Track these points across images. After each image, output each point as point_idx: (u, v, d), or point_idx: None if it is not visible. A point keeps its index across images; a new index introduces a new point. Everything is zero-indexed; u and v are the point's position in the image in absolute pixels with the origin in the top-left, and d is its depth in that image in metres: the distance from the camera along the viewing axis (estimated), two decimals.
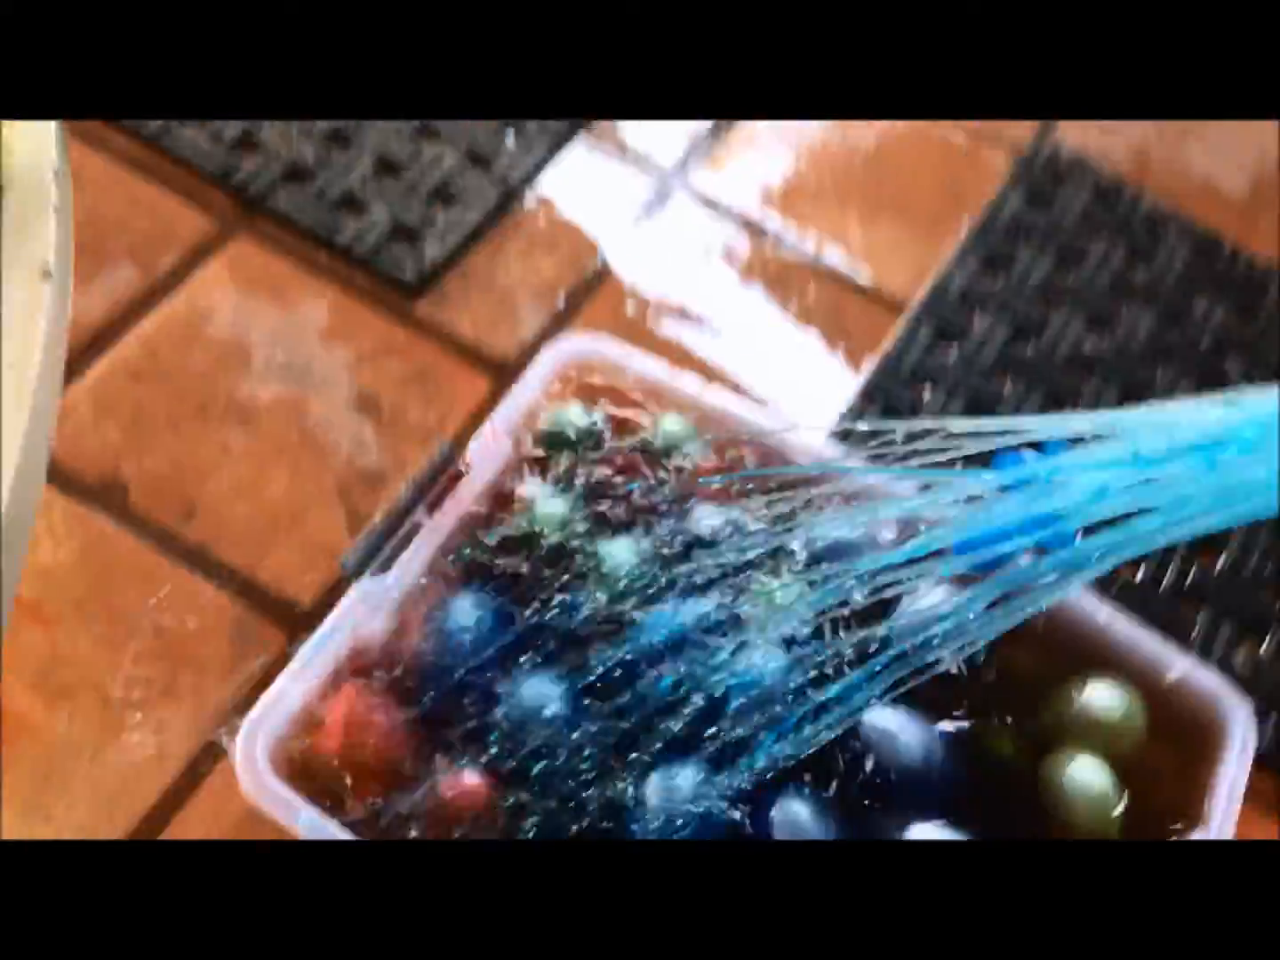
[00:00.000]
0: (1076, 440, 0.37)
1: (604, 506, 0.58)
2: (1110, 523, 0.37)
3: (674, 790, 0.50)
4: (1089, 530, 0.37)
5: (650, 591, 0.54)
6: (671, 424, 0.63)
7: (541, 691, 0.53)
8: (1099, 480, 0.35)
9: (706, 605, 0.54)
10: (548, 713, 0.52)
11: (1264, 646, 0.77)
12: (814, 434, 0.66)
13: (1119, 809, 0.54)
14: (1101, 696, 0.57)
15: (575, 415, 0.62)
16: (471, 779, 0.51)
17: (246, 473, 0.74)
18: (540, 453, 0.61)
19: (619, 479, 0.59)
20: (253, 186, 0.85)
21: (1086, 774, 0.55)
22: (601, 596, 0.54)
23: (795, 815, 0.49)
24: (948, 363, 0.86)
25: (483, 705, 0.53)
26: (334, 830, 0.47)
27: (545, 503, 0.58)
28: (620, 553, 0.55)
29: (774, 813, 0.50)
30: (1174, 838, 0.54)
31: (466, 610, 0.54)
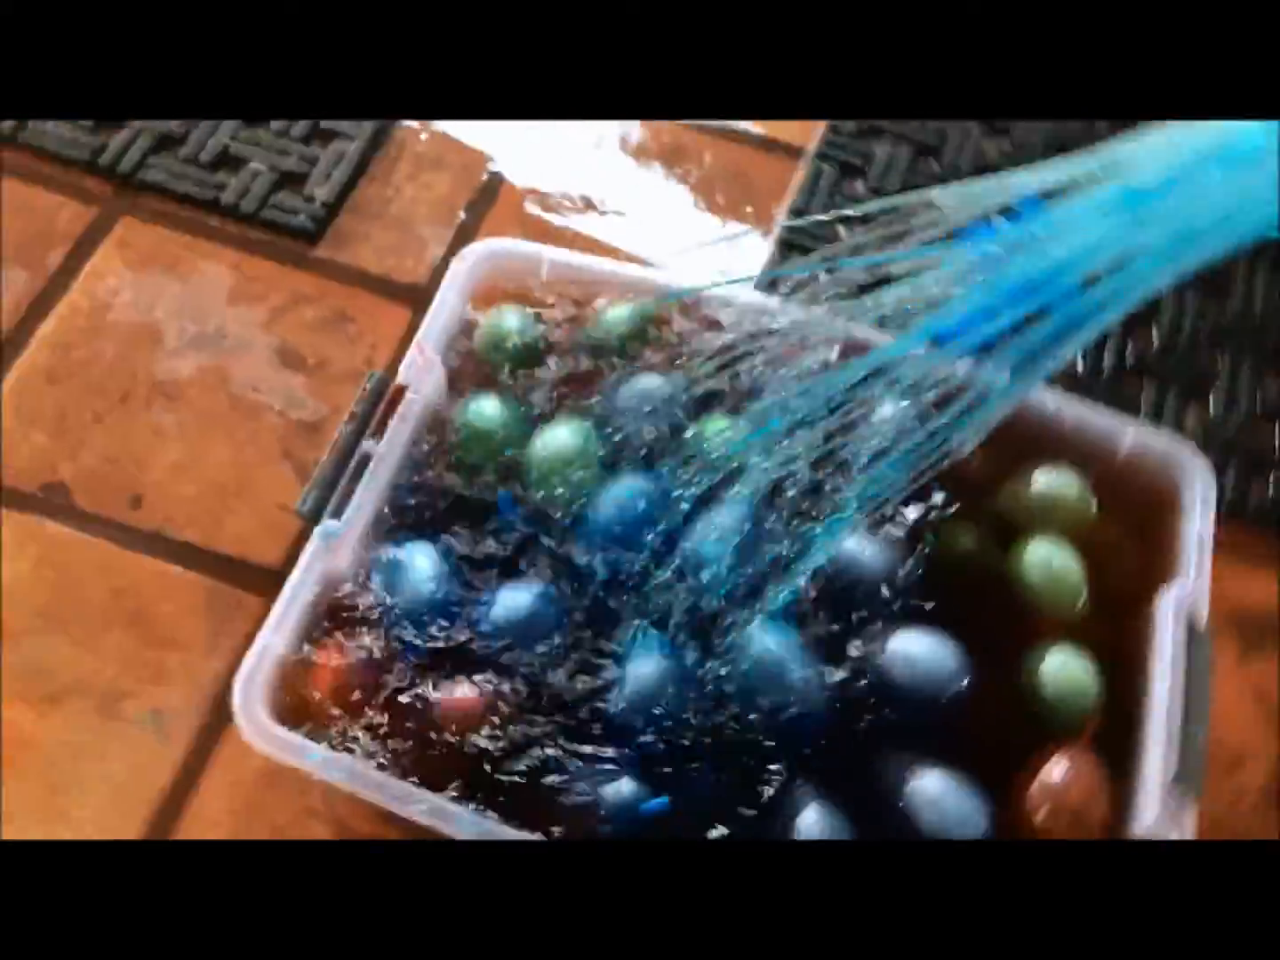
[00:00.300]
0: (1051, 194, 0.34)
1: (548, 407, 0.58)
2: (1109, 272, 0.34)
3: (650, 668, 0.51)
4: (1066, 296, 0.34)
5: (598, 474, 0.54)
6: (614, 313, 0.62)
7: (515, 596, 0.53)
8: (1091, 229, 0.32)
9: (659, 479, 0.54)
10: (525, 612, 0.53)
11: (1211, 406, 0.78)
12: (744, 288, 0.65)
13: (1083, 586, 0.55)
14: (1052, 480, 0.58)
15: (512, 321, 0.61)
16: (465, 691, 0.51)
17: (184, 450, 0.73)
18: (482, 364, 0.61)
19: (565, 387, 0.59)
20: (124, 164, 0.82)
21: (1048, 556, 0.56)
22: (559, 489, 0.55)
23: (770, 650, 0.50)
24: (858, 195, 0.86)
25: (459, 623, 0.53)
26: (348, 762, 0.48)
27: (490, 412, 0.57)
28: (563, 439, 0.55)
29: (754, 649, 0.51)
30: (1148, 596, 0.55)
31: (426, 549, 0.54)
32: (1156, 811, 0.50)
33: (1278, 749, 0.68)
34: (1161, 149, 0.30)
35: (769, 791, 0.50)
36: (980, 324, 0.36)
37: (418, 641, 0.53)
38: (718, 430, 0.55)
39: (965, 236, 0.36)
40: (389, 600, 0.54)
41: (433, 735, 0.51)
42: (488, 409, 0.58)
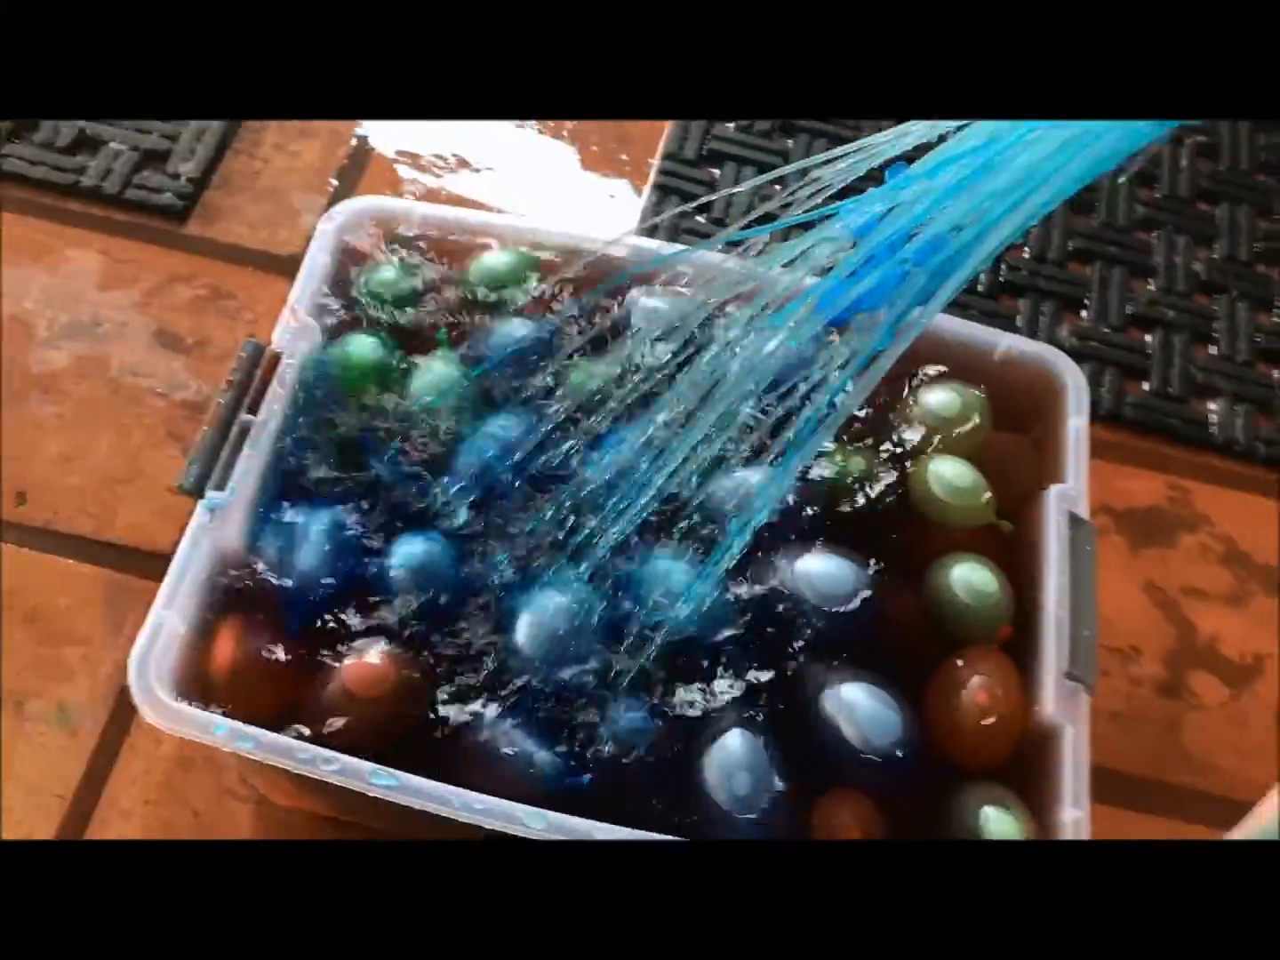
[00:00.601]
0: (912, 157, 0.35)
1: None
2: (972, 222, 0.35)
3: (551, 607, 0.51)
4: (937, 244, 0.36)
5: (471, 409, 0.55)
6: (490, 260, 0.61)
7: (414, 550, 0.53)
8: (947, 180, 0.34)
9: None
10: (429, 566, 0.53)
11: (1084, 315, 0.81)
12: (624, 237, 0.65)
13: (986, 494, 0.57)
14: (939, 398, 0.60)
15: (387, 273, 0.61)
16: (370, 658, 0.50)
17: (67, 442, 0.71)
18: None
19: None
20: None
21: (946, 471, 0.57)
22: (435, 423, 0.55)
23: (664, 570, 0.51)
24: (728, 136, 0.86)
25: (356, 585, 0.53)
26: (254, 731, 0.47)
27: (365, 350, 0.57)
28: (436, 374, 0.56)
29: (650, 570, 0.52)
30: (1036, 497, 0.56)
31: (317, 515, 0.54)
32: (1053, 704, 0.51)
33: (1169, 639, 0.71)
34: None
35: (691, 713, 0.51)
36: (858, 284, 0.37)
37: (316, 612, 0.53)
38: (587, 377, 0.55)
39: (842, 209, 0.37)
40: (283, 572, 0.53)
41: (341, 704, 0.50)
42: (364, 346, 0.57)
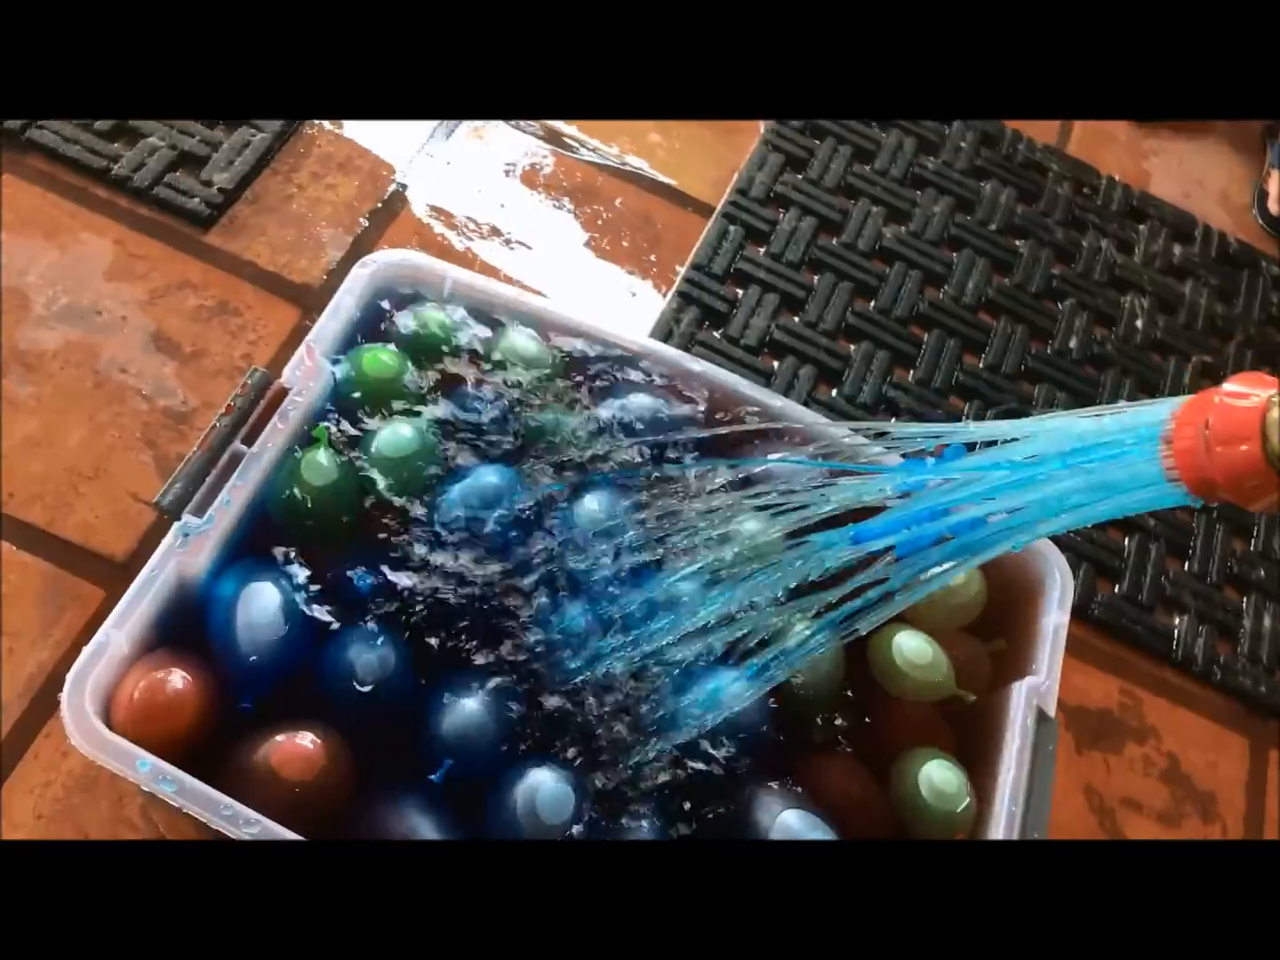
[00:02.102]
0: (973, 445, 0.40)
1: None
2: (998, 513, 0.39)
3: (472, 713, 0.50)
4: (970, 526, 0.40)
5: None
6: (517, 338, 0.60)
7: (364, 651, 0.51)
8: (991, 481, 0.38)
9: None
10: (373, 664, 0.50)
11: None
12: (643, 337, 0.64)
13: (946, 668, 0.56)
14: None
15: (435, 315, 0.59)
16: (304, 742, 0.47)
17: (39, 425, 0.69)
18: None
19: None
20: (11, 120, 0.78)
21: (906, 645, 0.57)
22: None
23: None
24: (758, 260, 0.87)
25: (304, 663, 0.50)
26: (180, 776, 0.45)
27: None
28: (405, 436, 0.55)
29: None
30: (1004, 684, 0.56)
31: (274, 584, 0.51)
32: None
33: (1101, 840, 0.70)
34: (1062, 431, 0.36)
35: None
36: (898, 533, 0.41)
37: (259, 683, 0.50)
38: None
39: (905, 464, 0.42)
40: (233, 634, 0.50)
41: (266, 775, 0.47)
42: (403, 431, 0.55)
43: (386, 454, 0.54)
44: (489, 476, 0.55)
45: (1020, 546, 0.39)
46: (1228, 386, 0.32)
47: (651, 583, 0.49)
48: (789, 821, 0.49)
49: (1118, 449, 0.35)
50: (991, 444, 0.39)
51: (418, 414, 0.56)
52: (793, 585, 0.46)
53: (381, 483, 0.54)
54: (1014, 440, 0.38)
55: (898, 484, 0.41)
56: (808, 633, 0.45)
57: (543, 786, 0.48)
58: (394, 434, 0.55)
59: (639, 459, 0.55)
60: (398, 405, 0.56)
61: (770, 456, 0.52)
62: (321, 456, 0.54)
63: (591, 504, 0.53)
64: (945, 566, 0.40)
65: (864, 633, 0.45)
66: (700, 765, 0.50)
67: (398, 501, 0.54)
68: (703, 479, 0.50)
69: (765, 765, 0.52)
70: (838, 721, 0.55)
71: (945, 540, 0.40)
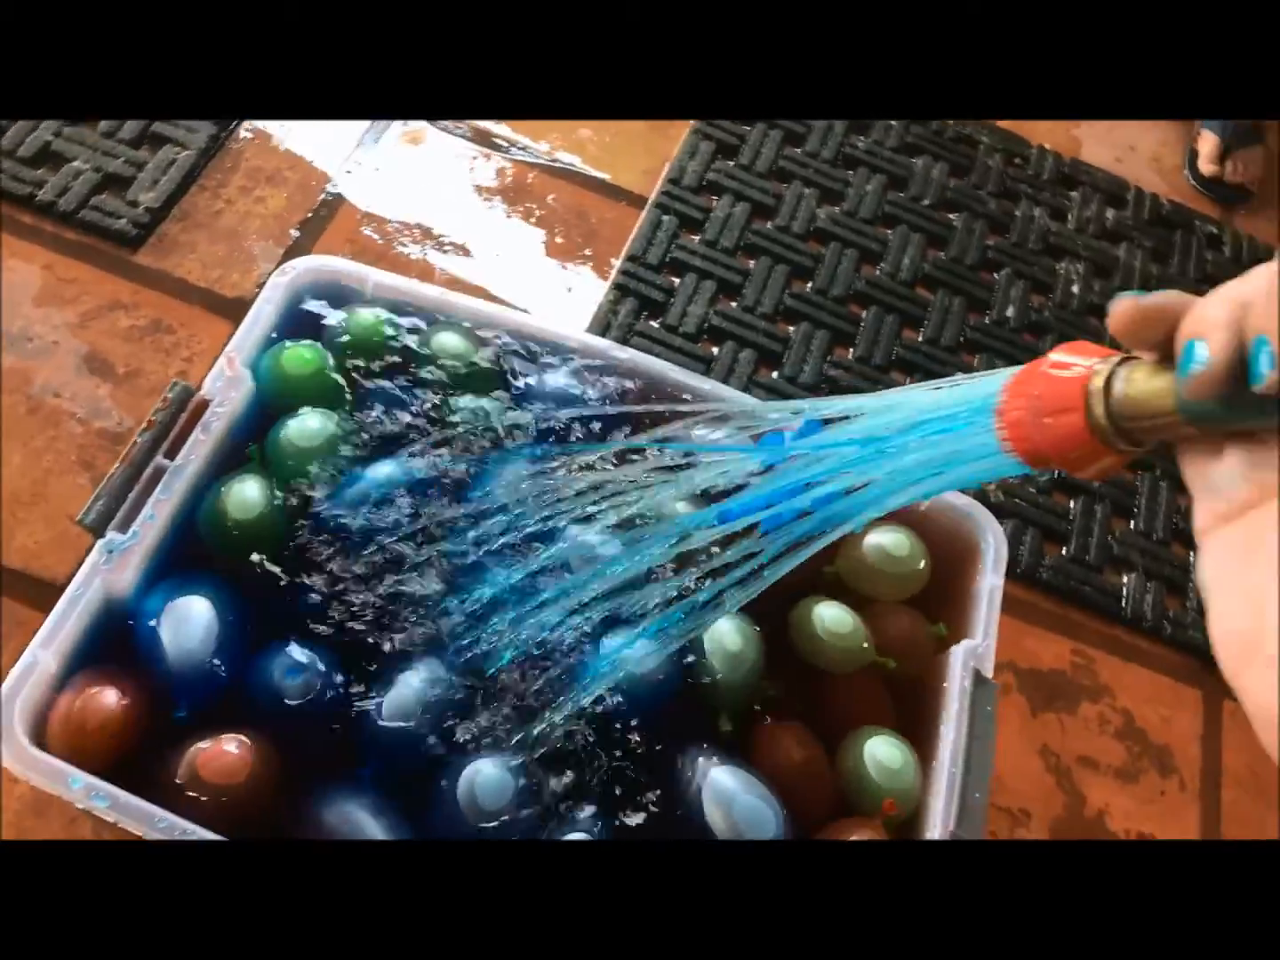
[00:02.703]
0: (829, 421, 0.41)
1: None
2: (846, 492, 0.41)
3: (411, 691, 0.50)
4: (827, 500, 0.41)
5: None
6: (441, 334, 0.60)
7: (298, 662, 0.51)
8: (842, 456, 0.39)
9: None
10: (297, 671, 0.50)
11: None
12: (573, 329, 0.65)
13: (865, 641, 0.57)
14: (891, 539, 0.59)
15: (360, 315, 0.59)
16: (230, 747, 0.47)
17: None
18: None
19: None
20: None
21: (826, 614, 0.57)
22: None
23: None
24: (693, 248, 0.88)
25: (231, 675, 0.50)
26: (112, 791, 0.45)
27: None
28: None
29: None
30: (942, 649, 0.57)
31: (204, 595, 0.51)
32: None
33: (1059, 806, 0.71)
34: (905, 405, 0.37)
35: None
36: (759, 510, 0.42)
37: (192, 693, 0.50)
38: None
39: (764, 441, 0.43)
40: (163, 646, 0.50)
41: (193, 783, 0.47)
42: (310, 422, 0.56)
43: (296, 443, 0.55)
44: (387, 467, 0.55)
45: (861, 525, 0.40)
46: (1053, 356, 0.33)
47: (546, 555, 0.50)
48: (718, 778, 0.50)
49: (955, 422, 0.35)
50: (846, 419, 0.39)
51: (335, 408, 0.57)
52: (671, 560, 0.46)
53: (289, 474, 0.54)
54: (861, 415, 0.38)
55: (761, 461, 0.41)
56: (704, 596, 0.45)
57: (481, 773, 0.48)
58: (301, 425, 0.55)
59: (547, 440, 0.56)
60: (319, 401, 0.57)
61: (639, 439, 0.53)
62: (250, 488, 0.54)
63: (498, 481, 0.53)
64: (808, 545, 0.41)
65: (732, 610, 0.45)
66: (631, 737, 0.51)
67: (309, 493, 0.54)
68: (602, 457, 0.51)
69: (691, 733, 0.53)
70: (773, 695, 0.55)
71: (806, 515, 0.40)
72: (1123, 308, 0.30)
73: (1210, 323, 0.28)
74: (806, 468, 0.40)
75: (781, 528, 0.41)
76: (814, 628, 0.56)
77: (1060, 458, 0.32)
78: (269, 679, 0.50)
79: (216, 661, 0.50)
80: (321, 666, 0.50)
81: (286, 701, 0.49)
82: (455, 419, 0.56)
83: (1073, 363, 0.32)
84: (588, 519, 0.47)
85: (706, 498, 0.46)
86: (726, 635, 0.54)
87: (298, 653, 0.50)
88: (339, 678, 0.50)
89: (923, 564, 0.60)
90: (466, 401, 0.57)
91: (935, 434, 0.36)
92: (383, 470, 0.54)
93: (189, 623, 0.51)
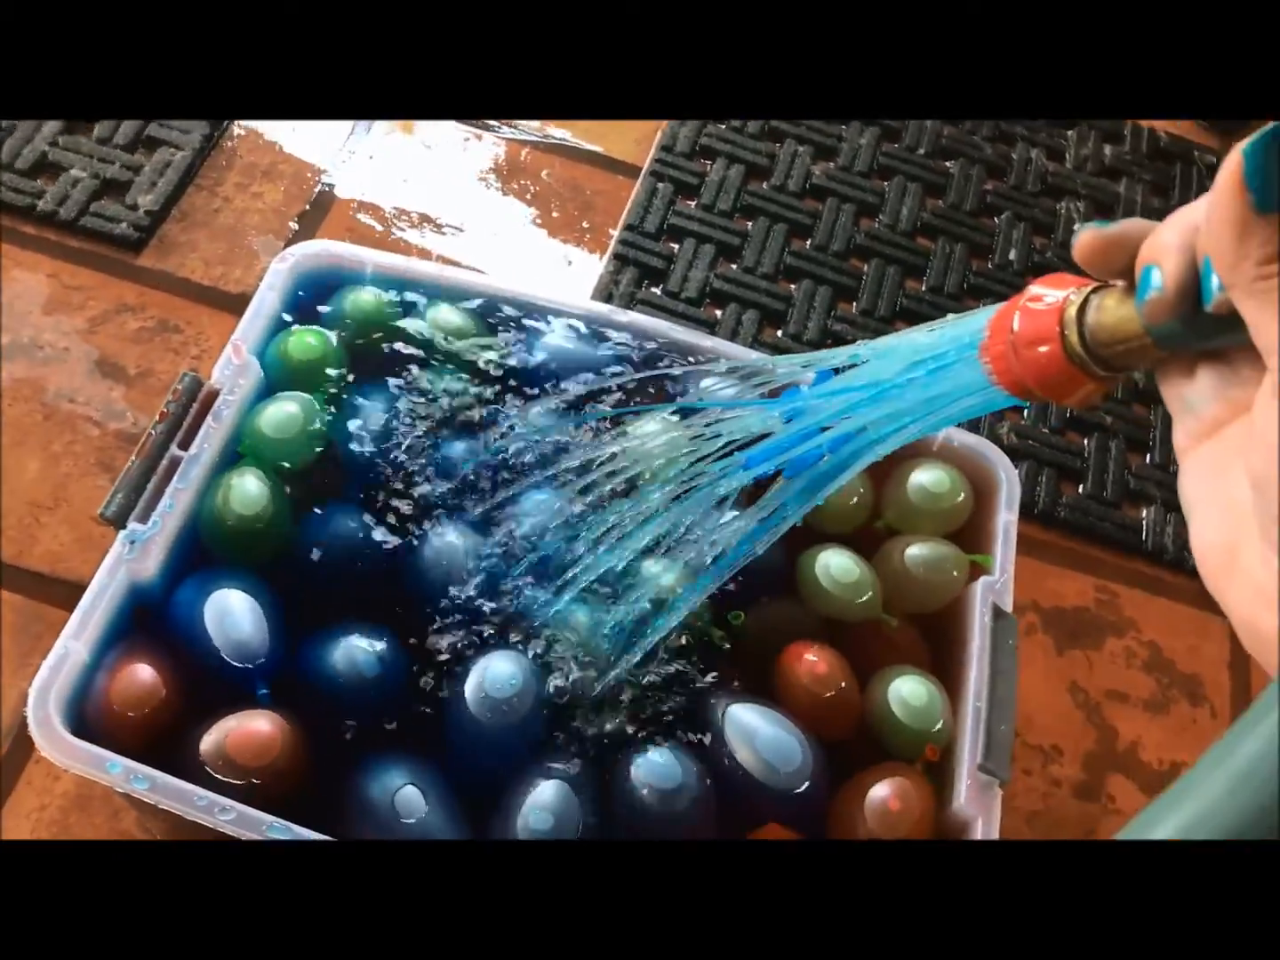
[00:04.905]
0: (838, 370, 0.42)
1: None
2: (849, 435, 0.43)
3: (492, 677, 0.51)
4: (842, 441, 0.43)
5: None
6: (442, 311, 0.61)
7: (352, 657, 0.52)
8: (849, 400, 0.41)
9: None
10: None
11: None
12: (578, 300, 0.65)
13: (870, 591, 0.57)
14: (932, 477, 0.60)
15: (362, 296, 0.60)
16: (260, 724, 0.48)
17: None
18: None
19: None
20: None
21: (832, 563, 0.57)
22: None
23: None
24: (690, 213, 0.88)
25: (268, 659, 0.51)
26: (150, 773, 0.46)
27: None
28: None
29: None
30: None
31: (241, 589, 0.52)
32: (965, 796, 0.51)
33: (1090, 741, 0.71)
34: (901, 348, 0.39)
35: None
36: (781, 456, 0.44)
37: (221, 676, 0.51)
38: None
39: (784, 395, 0.45)
40: (199, 634, 0.51)
41: (225, 764, 0.48)
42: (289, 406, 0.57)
43: (269, 434, 0.56)
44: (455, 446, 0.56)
45: (867, 461, 0.41)
46: (1031, 290, 0.33)
47: (592, 519, 0.51)
48: (737, 714, 0.51)
49: (946, 360, 0.36)
50: (852, 366, 0.41)
51: (341, 395, 0.57)
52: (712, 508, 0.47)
53: (269, 462, 0.55)
54: (865, 361, 0.40)
55: (783, 412, 0.43)
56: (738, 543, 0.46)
57: (491, 664, 0.50)
58: (278, 411, 0.56)
59: (558, 408, 0.56)
60: (327, 386, 0.57)
61: (658, 405, 0.54)
62: (250, 483, 0.54)
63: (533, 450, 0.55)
64: (830, 484, 0.43)
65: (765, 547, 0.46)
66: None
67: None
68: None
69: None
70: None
71: (824, 459, 0.42)
72: (1085, 238, 0.31)
73: (1163, 248, 0.28)
74: (819, 415, 0.42)
75: (804, 471, 0.43)
76: (817, 574, 0.57)
77: (1042, 387, 0.33)
78: (329, 662, 0.51)
79: (252, 641, 0.51)
80: (387, 649, 0.51)
81: (349, 682, 0.50)
82: (465, 390, 0.57)
83: (1049, 294, 0.33)
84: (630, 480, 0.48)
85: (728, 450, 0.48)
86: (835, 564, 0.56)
87: (365, 637, 0.51)
88: (404, 660, 0.51)
89: (962, 496, 0.60)
90: (474, 374, 0.58)
91: (930, 373, 0.37)
92: (454, 446, 0.55)
93: (231, 614, 0.51)
